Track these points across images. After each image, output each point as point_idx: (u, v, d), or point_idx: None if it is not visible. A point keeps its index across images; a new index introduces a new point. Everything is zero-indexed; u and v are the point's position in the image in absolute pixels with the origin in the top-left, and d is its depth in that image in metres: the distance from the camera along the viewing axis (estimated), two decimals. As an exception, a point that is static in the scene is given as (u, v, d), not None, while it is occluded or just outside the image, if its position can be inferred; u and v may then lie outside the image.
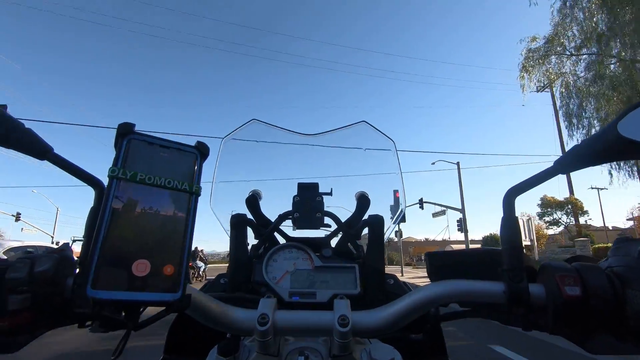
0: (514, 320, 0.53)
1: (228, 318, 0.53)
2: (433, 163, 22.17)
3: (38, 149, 0.48)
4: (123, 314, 0.42)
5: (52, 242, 29.99)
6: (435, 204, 21.06)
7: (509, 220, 0.55)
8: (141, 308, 0.42)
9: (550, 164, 0.55)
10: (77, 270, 0.46)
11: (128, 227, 0.42)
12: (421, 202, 23.50)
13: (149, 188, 0.45)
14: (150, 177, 0.45)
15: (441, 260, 0.62)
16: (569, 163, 0.54)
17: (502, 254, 0.54)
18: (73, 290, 0.42)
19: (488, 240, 32.02)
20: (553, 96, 24.25)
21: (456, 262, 0.60)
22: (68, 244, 0.55)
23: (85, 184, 0.53)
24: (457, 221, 18.78)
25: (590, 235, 24.76)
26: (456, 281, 0.56)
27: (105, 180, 0.46)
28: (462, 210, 19.29)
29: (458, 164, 20.93)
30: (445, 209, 20.46)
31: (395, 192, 0.93)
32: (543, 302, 0.51)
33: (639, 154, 0.49)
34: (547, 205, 25.86)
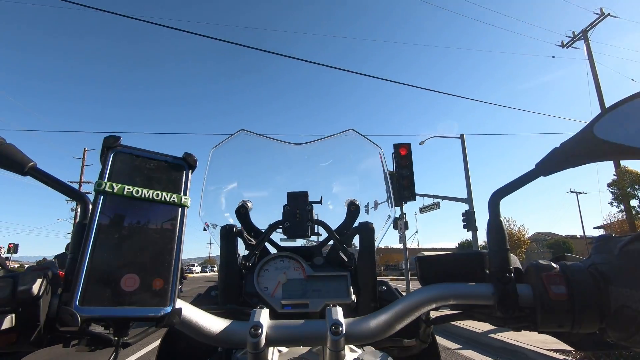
0: (503, 321, 0.54)
1: (219, 331, 0.52)
2: (422, 142, 16.61)
3: (19, 165, 0.47)
4: (111, 330, 0.41)
5: None
6: (429, 195, 14.91)
7: (495, 223, 0.56)
8: (130, 323, 0.41)
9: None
10: (62, 287, 0.45)
11: (116, 242, 0.42)
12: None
13: (137, 201, 0.45)
14: (137, 190, 0.45)
15: (431, 265, 0.62)
16: (549, 165, 0.56)
17: (490, 256, 0.55)
18: (59, 307, 0.41)
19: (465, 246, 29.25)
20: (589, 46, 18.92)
21: (446, 265, 0.61)
22: (53, 261, 0.53)
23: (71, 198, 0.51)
24: (463, 215, 13.15)
25: None
26: (446, 284, 0.57)
27: (91, 195, 0.46)
28: (469, 200, 13.45)
29: (462, 137, 14.50)
30: (438, 201, 14.81)
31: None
32: (531, 302, 0.52)
33: (614, 155, 0.50)
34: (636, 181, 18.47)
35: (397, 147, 10.76)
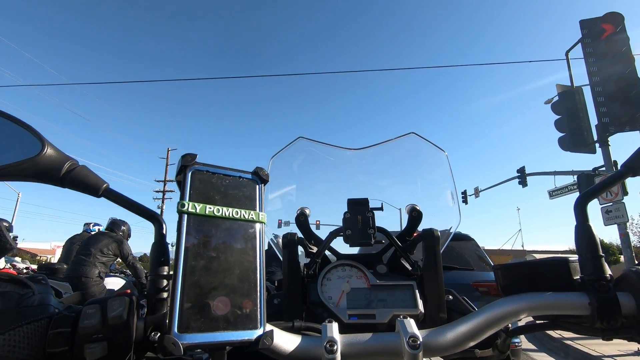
0: (602, 332, 0.51)
1: (295, 348, 0.52)
2: (548, 101, 10.02)
3: (93, 187, 0.47)
4: (201, 352, 0.42)
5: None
6: (559, 172, 10.54)
7: (584, 228, 0.53)
8: (226, 347, 0.41)
9: None
10: (147, 310, 0.45)
11: (204, 264, 0.41)
12: (523, 175, 13.87)
13: (219, 221, 0.45)
14: (218, 209, 0.45)
15: (513, 273, 0.59)
16: (638, 165, 0.53)
17: (582, 263, 0.52)
18: (150, 334, 0.41)
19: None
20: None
21: (528, 274, 0.58)
22: (131, 281, 0.54)
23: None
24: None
25: None
26: (533, 294, 0.54)
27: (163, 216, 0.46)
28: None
29: None
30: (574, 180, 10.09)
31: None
32: (634, 312, 0.48)
33: None
34: None
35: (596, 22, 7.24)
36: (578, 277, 0.54)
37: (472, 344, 0.53)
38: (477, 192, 19.56)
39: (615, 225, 8.06)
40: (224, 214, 0.45)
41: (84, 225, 5.43)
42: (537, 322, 0.59)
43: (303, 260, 0.77)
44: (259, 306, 0.43)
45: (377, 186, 0.91)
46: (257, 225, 0.47)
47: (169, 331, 0.37)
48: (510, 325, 0.63)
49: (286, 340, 0.52)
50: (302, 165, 0.92)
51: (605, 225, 8.39)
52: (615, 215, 8.03)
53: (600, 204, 8.37)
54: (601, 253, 0.52)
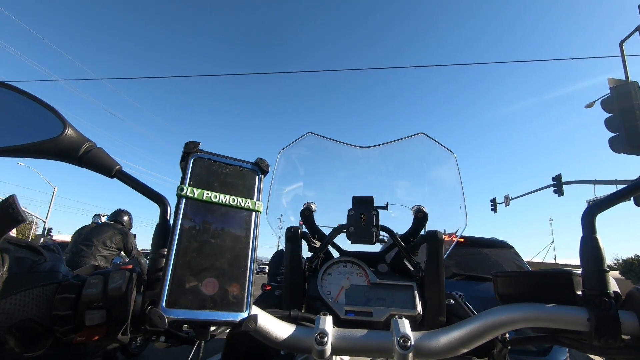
0: (600, 350, 0.48)
1: (286, 337, 0.53)
2: (589, 105, 11.25)
3: (107, 168, 0.50)
4: (190, 329, 0.44)
5: (45, 230, 25.91)
6: (600, 182, 10.77)
7: (590, 240, 0.51)
8: (211, 326, 0.43)
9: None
10: (145, 286, 0.47)
11: (197, 246, 0.44)
12: (559, 183, 13.71)
13: (215, 206, 0.47)
14: (215, 195, 0.46)
15: (513, 282, 0.58)
16: None
17: (584, 277, 0.50)
18: (147, 309, 0.43)
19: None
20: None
21: (528, 284, 0.56)
22: (135, 259, 0.58)
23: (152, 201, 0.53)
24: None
25: None
26: (531, 305, 0.52)
27: (168, 197, 0.49)
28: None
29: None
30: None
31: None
32: (636, 332, 0.46)
33: None
34: None
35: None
36: (581, 291, 0.52)
37: (465, 350, 0.53)
38: (507, 200, 18.73)
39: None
40: (220, 200, 0.47)
41: (94, 216, 4.89)
42: (533, 334, 0.57)
43: (307, 254, 0.78)
44: (246, 291, 0.44)
45: (383, 185, 0.90)
46: (253, 214, 0.49)
47: (157, 305, 0.40)
48: (507, 335, 0.62)
49: (280, 328, 0.53)
50: (310, 160, 0.93)
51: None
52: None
53: None
54: (606, 267, 0.49)
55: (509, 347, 0.63)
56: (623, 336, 0.47)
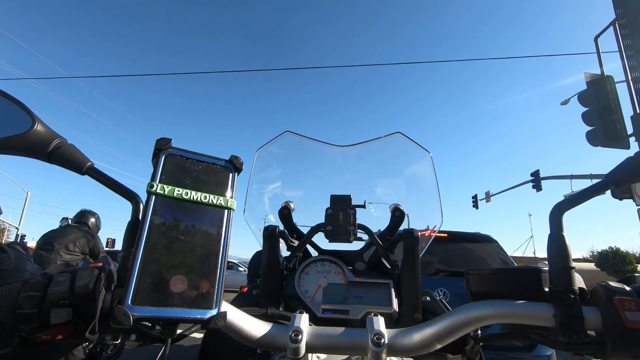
0: (565, 345, 0.50)
1: (261, 335, 0.53)
2: (564, 102, 11.77)
3: (78, 165, 0.49)
4: (159, 328, 0.43)
5: (17, 237, 24.28)
6: (575, 176, 11.11)
7: (557, 238, 0.52)
8: (178, 323, 0.43)
9: None
10: (115, 284, 0.47)
11: (166, 243, 0.43)
12: (537, 179, 14.21)
13: (186, 204, 0.46)
14: (187, 192, 0.46)
15: (484, 280, 0.59)
16: (622, 176, 0.52)
17: (551, 274, 0.52)
18: (113, 306, 0.43)
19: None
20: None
21: (498, 281, 0.57)
22: (106, 257, 0.57)
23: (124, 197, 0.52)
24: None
25: None
26: (500, 301, 0.53)
27: (142, 195, 0.48)
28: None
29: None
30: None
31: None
32: (599, 328, 0.48)
33: None
34: None
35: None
36: (548, 288, 0.53)
37: (439, 346, 0.53)
38: (488, 196, 19.05)
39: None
40: (192, 198, 0.46)
41: (62, 220, 4.37)
42: (503, 331, 0.58)
43: (287, 254, 0.78)
44: (216, 288, 0.44)
45: (361, 184, 0.91)
46: (226, 211, 0.49)
47: (122, 302, 0.39)
48: (479, 332, 0.63)
49: (254, 326, 0.53)
50: (288, 159, 0.93)
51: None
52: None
53: (638, 205, 7.57)
54: (572, 264, 0.51)
55: (481, 344, 0.64)
56: (588, 331, 0.48)
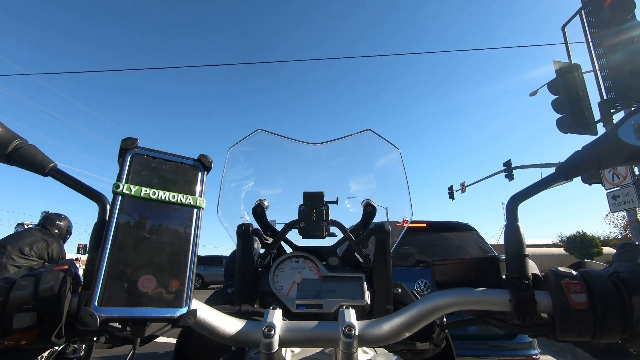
0: (520, 328, 0.53)
1: (234, 332, 0.54)
2: (533, 93, 12.23)
3: (40, 166, 0.48)
4: (129, 329, 0.43)
5: None
6: (545, 165, 11.84)
7: (512, 228, 0.55)
8: (147, 323, 0.43)
9: None
10: (82, 287, 0.46)
11: (133, 243, 0.43)
12: (509, 168, 14.63)
13: (154, 203, 0.46)
14: (154, 192, 0.46)
15: (448, 269, 0.62)
16: (571, 169, 0.55)
17: (507, 262, 0.55)
18: (79, 308, 0.42)
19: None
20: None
21: (461, 270, 0.60)
22: (72, 259, 0.56)
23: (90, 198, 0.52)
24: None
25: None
26: (461, 289, 0.56)
27: (108, 195, 0.47)
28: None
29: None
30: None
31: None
32: (550, 310, 0.51)
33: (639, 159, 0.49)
34: None
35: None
36: (505, 275, 0.56)
37: (407, 334, 0.56)
38: (463, 187, 19.43)
39: (616, 214, 7.65)
40: (159, 197, 0.46)
41: (16, 226, 4.01)
42: (467, 317, 0.61)
43: (261, 251, 0.79)
44: (186, 286, 0.44)
45: (333, 180, 0.93)
46: (195, 210, 0.49)
47: (89, 304, 0.39)
48: (445, 319, 0.67)
49: (227, 323, 0.54)
50: (260, 157, 0.93)
51: (612, 212, 7.81)
52: (624, 200, 7.41)
53: (607, 189, 7.73)
54: (526, 252, 0.54)
55: (447, 330, 0.68)
56: (541, 314, 0.52)
